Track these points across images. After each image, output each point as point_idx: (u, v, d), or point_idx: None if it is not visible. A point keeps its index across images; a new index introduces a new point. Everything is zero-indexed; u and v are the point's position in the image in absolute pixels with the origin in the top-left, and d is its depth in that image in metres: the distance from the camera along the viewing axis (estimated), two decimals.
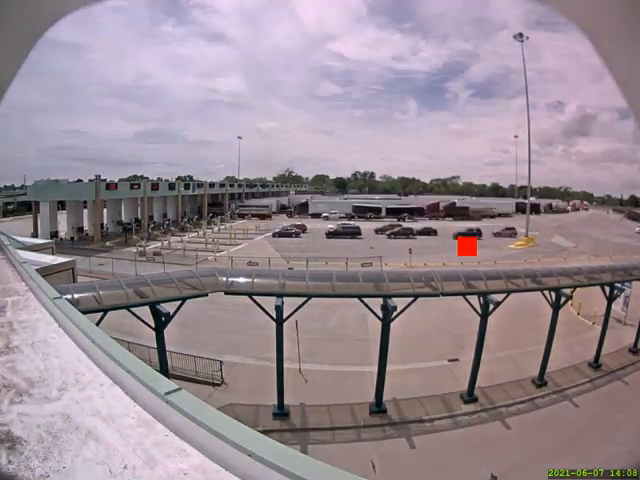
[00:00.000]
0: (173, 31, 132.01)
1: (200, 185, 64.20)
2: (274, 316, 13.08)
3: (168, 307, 12.30)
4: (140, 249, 36.80)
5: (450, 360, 16.90)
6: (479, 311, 14.44)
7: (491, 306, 14.28)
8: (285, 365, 13.58)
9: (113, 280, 14.56)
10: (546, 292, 15.79)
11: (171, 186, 58.60)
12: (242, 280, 13.84)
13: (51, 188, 45.07)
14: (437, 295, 14.10)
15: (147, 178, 65.59)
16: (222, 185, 72.07)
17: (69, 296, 10.01)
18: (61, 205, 46.57)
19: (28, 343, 3.66)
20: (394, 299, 13.44)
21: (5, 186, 72.55)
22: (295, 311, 13.54)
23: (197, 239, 44.49)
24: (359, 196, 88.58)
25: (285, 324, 13.34)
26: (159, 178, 70.93)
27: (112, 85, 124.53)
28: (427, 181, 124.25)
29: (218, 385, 14.95)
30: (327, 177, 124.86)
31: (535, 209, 67.22)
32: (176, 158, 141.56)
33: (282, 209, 70.13)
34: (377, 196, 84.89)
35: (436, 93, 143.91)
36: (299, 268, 25.92)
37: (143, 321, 12.14)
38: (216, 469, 2.06)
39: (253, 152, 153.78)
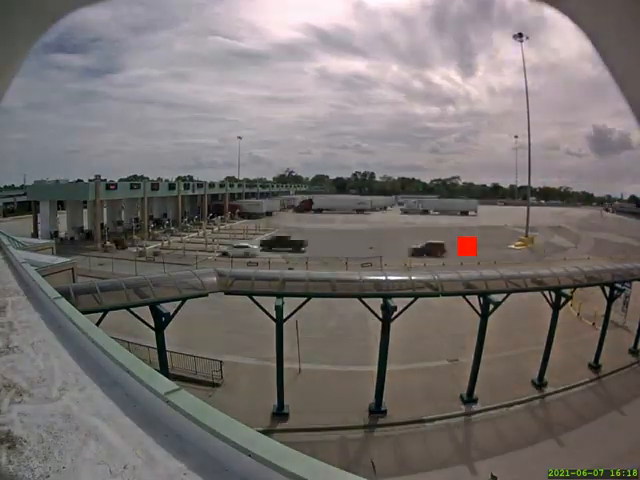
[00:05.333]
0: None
1: (200, 185, 64.15)
2: (274, 316, 13.08)
3: (168, 307, 12.30)
4: (140, 249, 36.80)
5: (450, 360, 16.89)
6: (479, 311, 14.44)
7: (491, 306, 14.27)
8: (285, 365, 13.58)
9: (113, 280, 14.55)
10: (546, 292, 15.78)
11: (171, 186, 58.47)
12: (242, 280, 13.82)
13: (51, 188, 45.03)
14: (437, 295, 14.09)
15: (147, 178, 65.43)
16: (222, 185, 72.02)
17: (69, 296, 10.00)
18: (61, 205, 46.54)
19: (28, 343, 3.66)
20: (394, 299, 13.45)
21: (5, 186, 72.61)
22: (295, 311, 13.53)
23: (197, 239, 44.52)
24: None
25: (285, 324, 13.34)
26: (159, 178, 70.83)
27: None
28: (427, 181, 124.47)
29: (218, 385, 14.95)
30: (327, 177, 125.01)
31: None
32: None
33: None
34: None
35: None
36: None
37: (143, 321, 12.13)
38: (216, 469, 2.06)
39: None
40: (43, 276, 5.97)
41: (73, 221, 45.21)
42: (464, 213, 74.90)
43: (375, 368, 13.84)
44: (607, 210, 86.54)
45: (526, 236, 47.09)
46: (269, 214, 67.62)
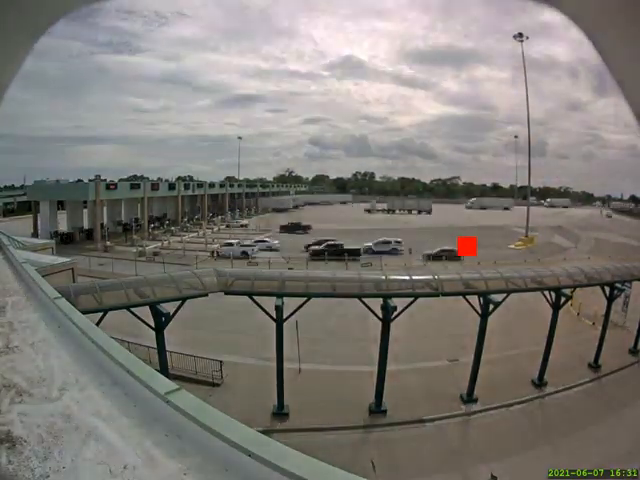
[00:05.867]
0: None
1: (200, 185, 64.17)
2: (274, 316, 13.08)
3: (168, 307, 12.30)
4: (140, 249, 36.79)
5: (450, 360, 16.89)
6: (479, 311, 14.43)
7: (491, 306, 14.27)
8: (285, 365, 13.58)
9: (113, 280, 14.56)
10: (546, 292, 15.78)
11: (171, 186, 58.43)
12: (242, 280, 13.83)
13: (51, 188, 45.03)
14: (437, 295, 14.09)
15: (147, 178, 65.38)
16: (222, 185, 72.06)
17: (69, 296, 9.99)
18: (61, 205, 46.53)
19: (28, 343, 3.66)
20: (394, 299, 13.44)
21: (5, 186, 72.55)
22: (295, 311, 13.53)
23: (197, 239, 44.53)
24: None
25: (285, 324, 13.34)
26: (159, 178, 70.74)
27: None
28: (427, 181, 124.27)
29: (218, 385, 14.94)
30: (327, 177, 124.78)
31: None
32: None
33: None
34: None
35: None
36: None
37: (143, 321, 12.13)
38: (216, 469, 2.06)
39: None
40: (43, 276, 5.97)
41: (73, 221, 45.24)
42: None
43: (375, 368, 13.86)
44: (601, 211, 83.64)
45: (526, 236, 47.05)
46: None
